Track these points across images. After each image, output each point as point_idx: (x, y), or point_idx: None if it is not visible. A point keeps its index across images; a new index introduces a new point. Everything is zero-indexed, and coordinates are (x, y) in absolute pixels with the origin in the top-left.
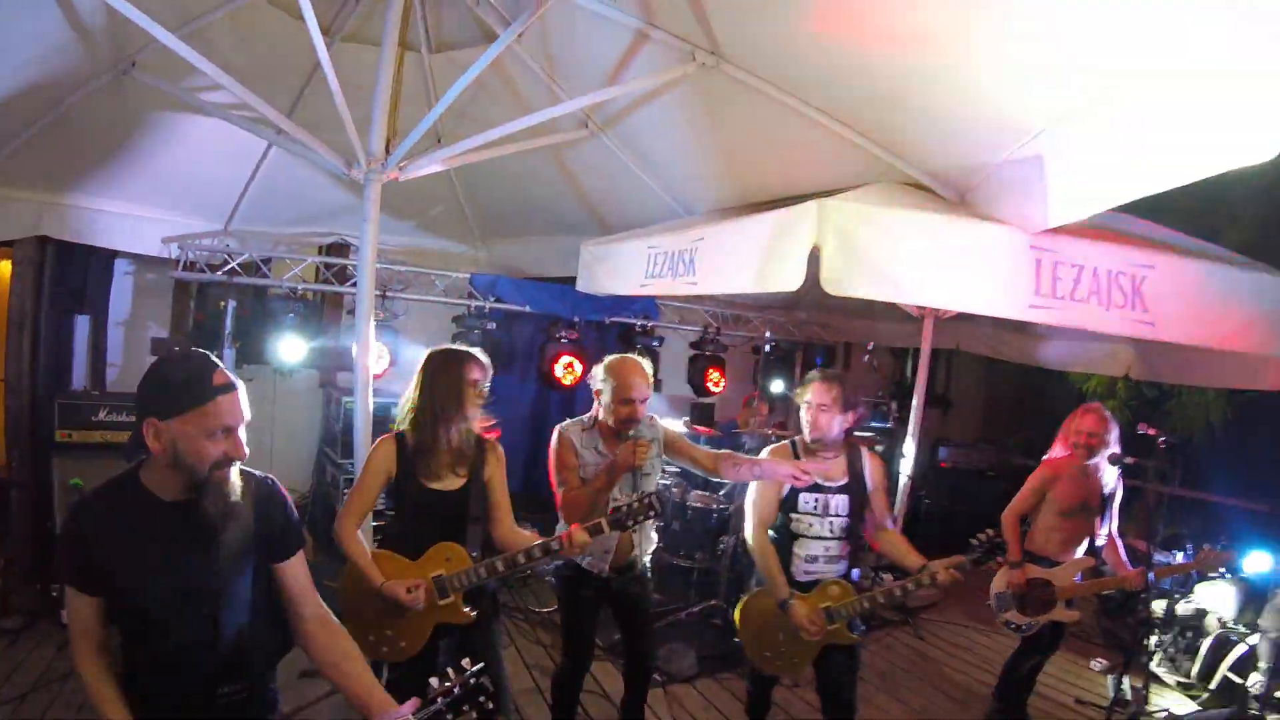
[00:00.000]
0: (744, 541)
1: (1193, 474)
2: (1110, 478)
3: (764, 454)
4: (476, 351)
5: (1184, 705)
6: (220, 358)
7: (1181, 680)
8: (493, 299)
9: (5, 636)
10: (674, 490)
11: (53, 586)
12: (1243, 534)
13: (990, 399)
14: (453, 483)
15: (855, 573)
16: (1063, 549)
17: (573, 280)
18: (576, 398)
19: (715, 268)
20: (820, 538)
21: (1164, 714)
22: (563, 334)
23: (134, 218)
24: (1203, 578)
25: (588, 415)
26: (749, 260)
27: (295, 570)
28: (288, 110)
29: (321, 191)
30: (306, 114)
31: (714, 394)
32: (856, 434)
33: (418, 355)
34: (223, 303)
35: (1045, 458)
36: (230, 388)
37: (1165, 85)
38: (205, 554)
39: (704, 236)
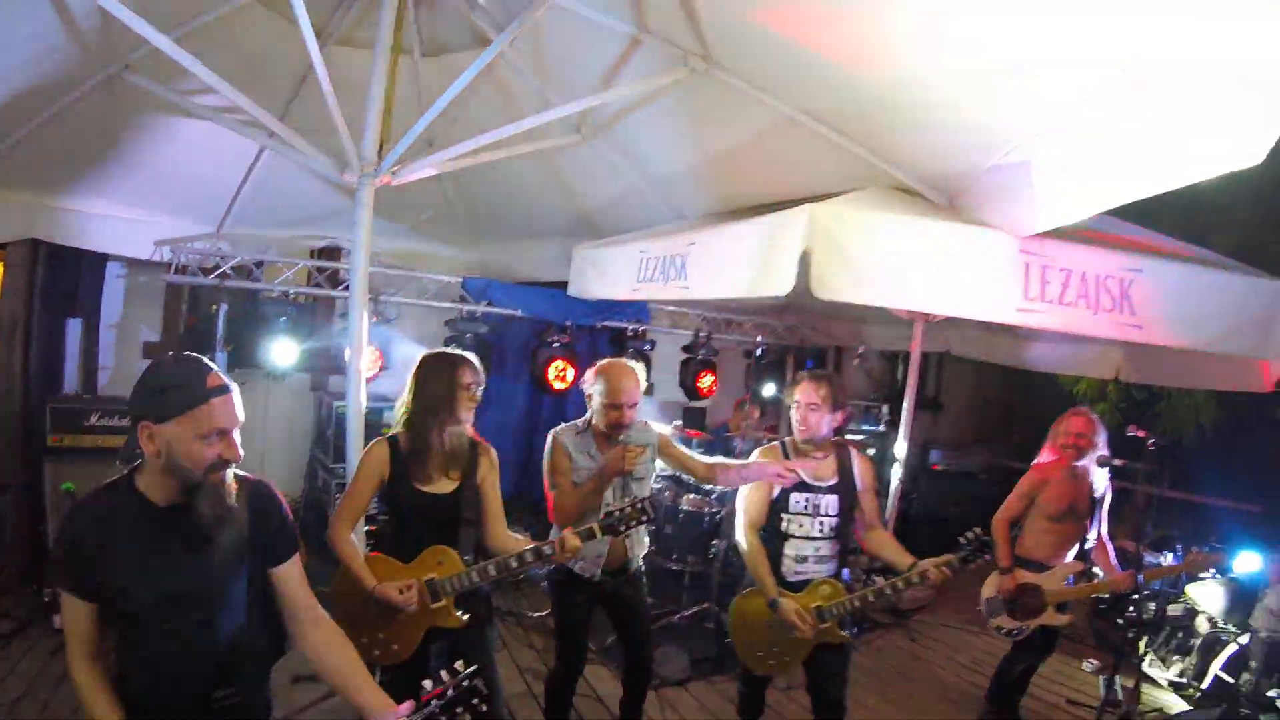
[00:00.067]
0: (736, 544)
1: (1183, 475)
2: (1099, 481)
3: (754, 455)
4: (469, 355)
5: (1176, 705)
6: (212, 361)
7: (1173, 680)
8: (485, 303)
9: None
10: (666, 494)
11: (45, 592)
12: (1233, 534)
13: (981, 402)
14: (445, 486)
15: (845, 573)
16: (1053, 553)
17: (565, 284)
18: (569, 402)
19: (707, 272)
20: (810, 538)
21: (1156, 714)
22: (555, 338)
23: (126, 220)
24: (1193, 579)
25: (582, 419)
26: (740, 265)
27: (291, 574)
28: (280, 114)
29: (314, 195)
30: (299, 118)
31: (706, 398)
32: (848, 437)
33: (409, 359)
34: (215, 306)
35: (1034, 462)
36: (224, 390)
37: (1153, 91)
38: (200, 558)
39: (695, 241)
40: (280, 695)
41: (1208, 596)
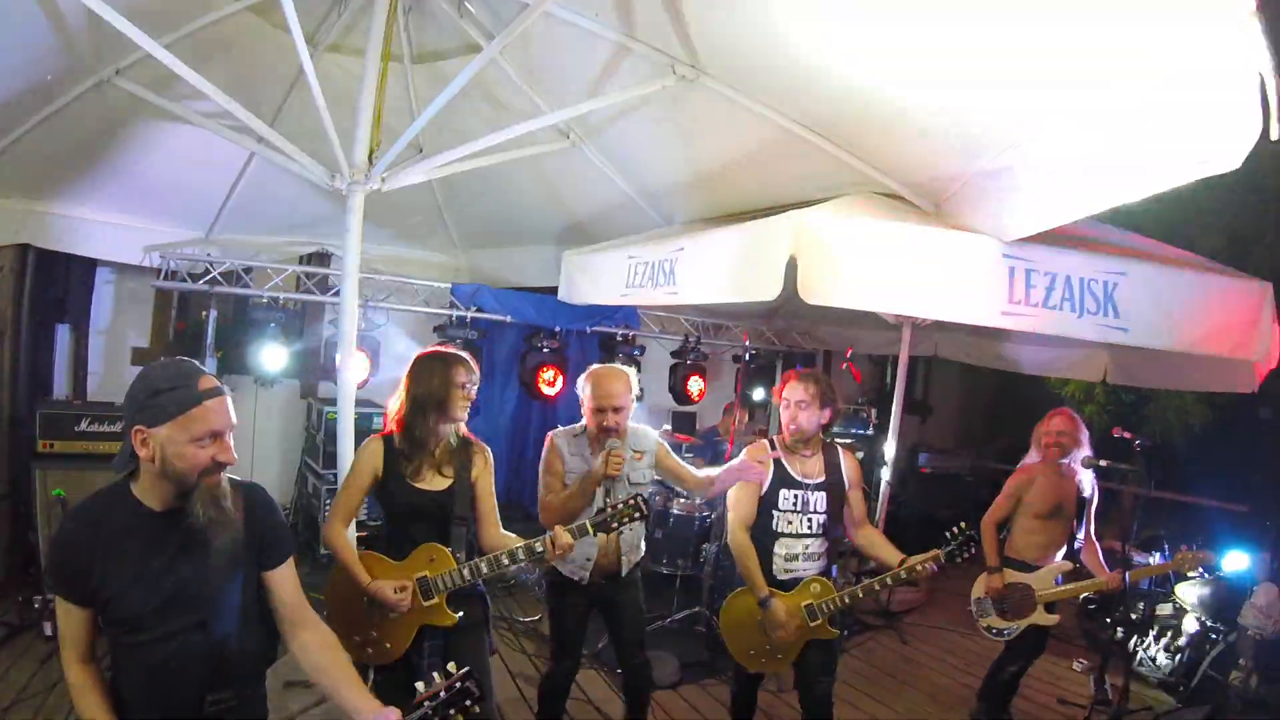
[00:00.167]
0: (726, 547)
1: (1171, 476)
2: (1086, 481)
3: (742, 454)
4: (464, 354)
5: (1165, 703)
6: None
7: (1162, 679)
8: (474, 308)
9: None
10: (657, 498)
11: (35, 599)
12: (1221, 534)
13: (969, 405)
14: (438, 483)
15: (834, 570)
16: (1041, 553)
17: (554, 290)
18: (559, 407)
19: (695, 277)
20: (800, 535)
21: (1145, 712)
22: (544, 344)
23: (116, 226)
24: (1181, 578)
25: (579, 423)
26: (728, 270)
27: (285, 577)
28: (270, 120)
29: (303, 201)
30: (290, 124)
31: (695, 402)
32: (838, 440)
33: (399, 365)
34: (204, 312)
35: (1020, 464)
36: (217, 392)
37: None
38: (195, 562)
39: (684, 247)
40: (272, 700)
41: (1197, 595)
